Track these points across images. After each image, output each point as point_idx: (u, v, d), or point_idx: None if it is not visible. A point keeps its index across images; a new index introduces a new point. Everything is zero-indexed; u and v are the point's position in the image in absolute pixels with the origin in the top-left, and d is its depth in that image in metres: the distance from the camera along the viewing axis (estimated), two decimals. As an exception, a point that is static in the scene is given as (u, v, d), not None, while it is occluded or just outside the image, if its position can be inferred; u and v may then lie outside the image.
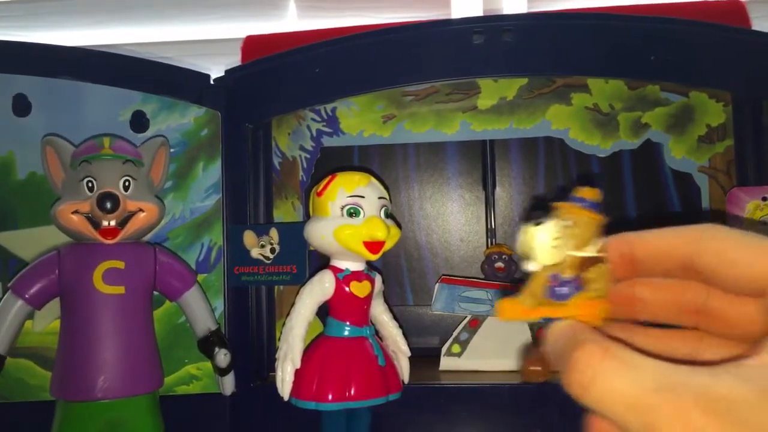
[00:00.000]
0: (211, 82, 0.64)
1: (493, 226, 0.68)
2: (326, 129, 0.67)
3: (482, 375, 0.61)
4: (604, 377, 0.19)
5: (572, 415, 0.23)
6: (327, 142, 0.67)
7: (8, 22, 0.85)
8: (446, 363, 0.62)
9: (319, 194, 0.52)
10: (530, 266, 0.24)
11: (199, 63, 0.75)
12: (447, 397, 0.58)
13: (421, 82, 0.63)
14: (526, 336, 0.61)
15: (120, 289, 0.50)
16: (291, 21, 0.86)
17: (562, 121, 0.64)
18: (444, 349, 0.63)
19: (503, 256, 0.64)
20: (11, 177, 0.58)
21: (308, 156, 0.68)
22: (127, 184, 0.52)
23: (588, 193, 0.25)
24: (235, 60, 0.72)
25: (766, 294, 0.21)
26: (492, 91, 0.65)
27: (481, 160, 0.69)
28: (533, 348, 0.26)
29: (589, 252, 0.24)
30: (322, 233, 0.51)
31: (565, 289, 0.24)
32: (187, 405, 0.59)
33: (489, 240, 0.68)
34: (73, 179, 0.51)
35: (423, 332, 0.67)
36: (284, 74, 0.62)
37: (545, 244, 0.24)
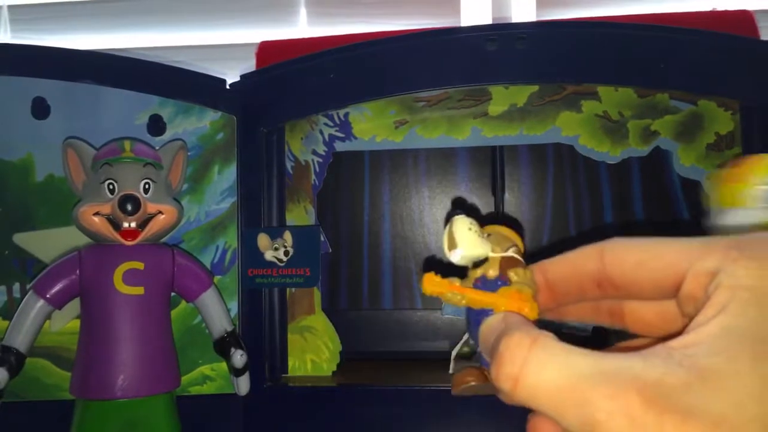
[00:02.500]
0: (227, 86, 0.65)
1: (502, 232, 0.68)
2: (339, 134, 0.68)
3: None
4: (535, 368, 0.18)
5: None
6: (339, 146, 0.68)
7: (25, 25, 0.86)
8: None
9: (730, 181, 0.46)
10: (453, 256, 0.24)
11: (211, 67, 0.76)
12: (457, 401, 0.59)
13: (434, 89, 0.64)
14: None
15: (139, 290, 0.51)
16: (302, 27, 0.87)
17: (572, 128, 0.65)
18: (454, 353, 0.63)
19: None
20: (30, 178, 0.59)
21: (320, 160, 0.68)
22: (147, 186, 0.52)
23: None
24: (246, 65, 0.72)
25: (680, 288, 0.20)
26: (503, 97, 0.66)
27: (491, 166, 0.69)
28: (465, 360, 0.26)
29: (510, 253, 0.25)
30: None
31: (491, 285, 0.24)
32: (200, 405, 0.60)
33: (498, 245, 0.68)
34: (94, 181, 0.52)
35: (433, 336, 0.68)
36: (299, 80, 0.63)
37: (470, 232, 0.24)
